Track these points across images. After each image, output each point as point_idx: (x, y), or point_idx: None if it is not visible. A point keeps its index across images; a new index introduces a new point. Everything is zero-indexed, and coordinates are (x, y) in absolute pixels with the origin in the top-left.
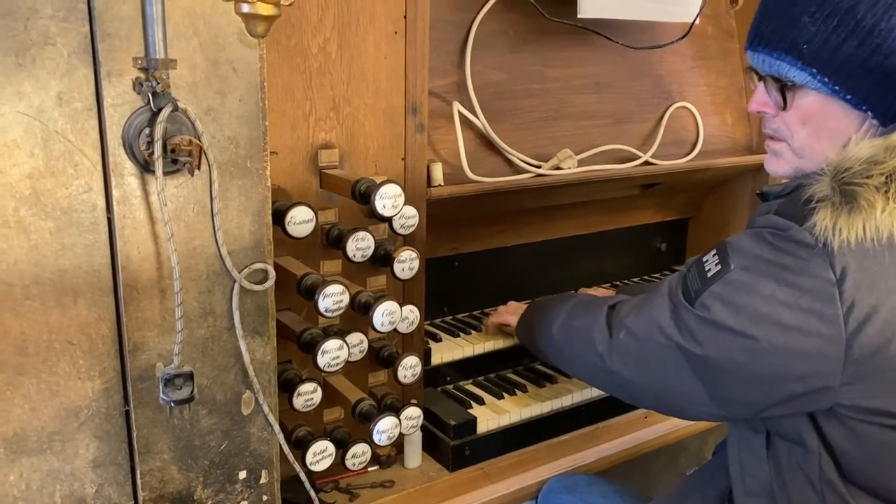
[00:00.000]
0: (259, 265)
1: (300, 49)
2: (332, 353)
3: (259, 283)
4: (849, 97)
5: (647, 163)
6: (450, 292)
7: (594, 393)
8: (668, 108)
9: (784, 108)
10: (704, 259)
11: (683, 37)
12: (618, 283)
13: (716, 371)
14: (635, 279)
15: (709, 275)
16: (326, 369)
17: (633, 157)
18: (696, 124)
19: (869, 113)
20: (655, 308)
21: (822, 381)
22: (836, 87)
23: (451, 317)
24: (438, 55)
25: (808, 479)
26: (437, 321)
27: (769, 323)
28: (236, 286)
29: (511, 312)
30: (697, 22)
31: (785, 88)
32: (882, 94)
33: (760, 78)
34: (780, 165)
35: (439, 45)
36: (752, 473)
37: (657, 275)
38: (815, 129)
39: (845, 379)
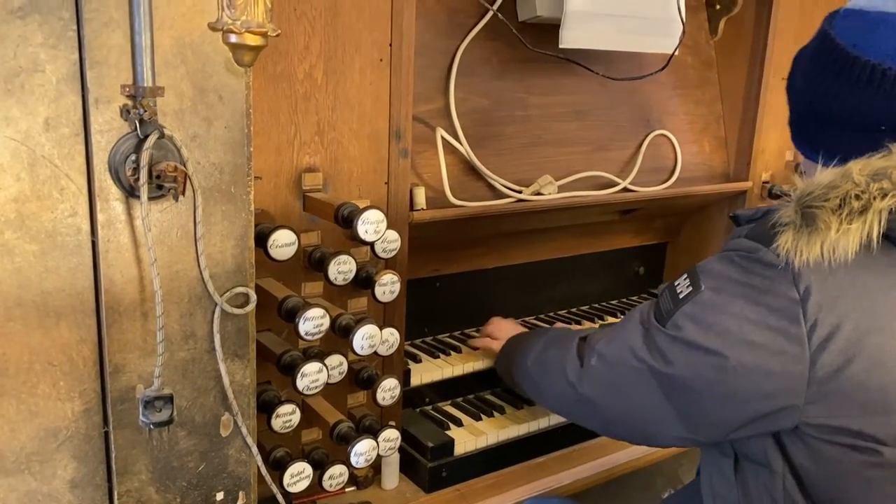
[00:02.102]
0: (240, 289)
1: (286, 75)
2: (312, 377)
3: (240, 306)
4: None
5: (625, 189)
6: (430, 313)
7: None
8: (647, 136)
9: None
10: (676, 283)
11: (663, 68)
12: (597, 304)
13: (685, 391)
14: (613, 301)
15: (680, 296)
16: (305, 392)
17: (613, 184)
18: (675, 152)
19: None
20: (628, 332)
21: (788, 399)
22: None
23: (431, 337)
24: (423, 81)
25: (773, 500)
26: (418, 341)
27: (738, 341)
28: (217, 309)
29: (502, 335)
30: (677, 53)
31: None
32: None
33: None
34: None
35: (424, 71)
36: (723, 496)
37: (635, 298)
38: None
39: (809, 397)
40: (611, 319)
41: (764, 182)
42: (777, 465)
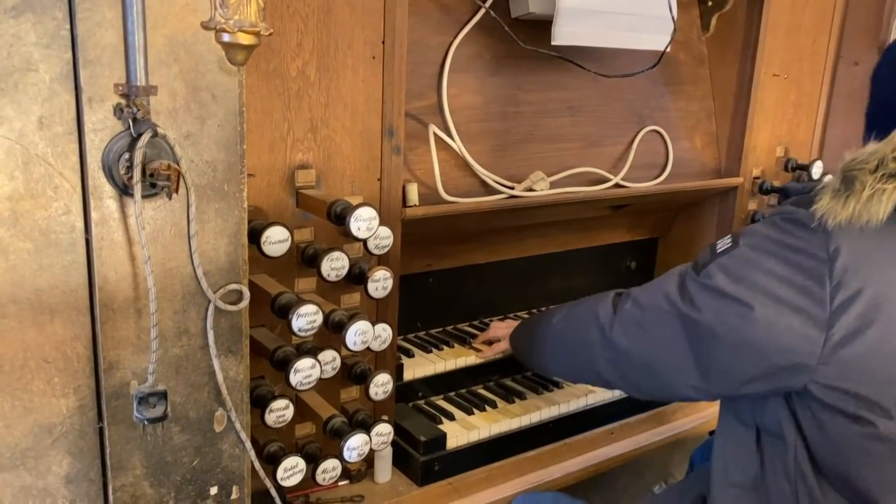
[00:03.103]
0: (234, 286)
1: (279, 72)
2: (305, 372)
3: (233, 303)
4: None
5: (617, 185)
6: (423, 308)
7: (561, 410)
8: (638, 132)
9: None
10: (717, 242)
11: (654, 65)
12: None
13: (706, 337)
14: None
15: (718, 251)
16: (299, 387)
17: (604, 180)
18: (666, 148)
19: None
20: (665, 281)
21: (802, 357)
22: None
23: (424, 332)
24: (415, 78)
25: (785, 471)
26: (411, 336)
27: (764, 294)
28: (211, 306)
29: (503, 328)
30: (668, 49)
31: None
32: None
33: None
34: None
35: (416, 67)
36: (738, 465)
37: None
38: None
39: (822, 358)
40: None
41: (755, 178)
42: (790, 437)
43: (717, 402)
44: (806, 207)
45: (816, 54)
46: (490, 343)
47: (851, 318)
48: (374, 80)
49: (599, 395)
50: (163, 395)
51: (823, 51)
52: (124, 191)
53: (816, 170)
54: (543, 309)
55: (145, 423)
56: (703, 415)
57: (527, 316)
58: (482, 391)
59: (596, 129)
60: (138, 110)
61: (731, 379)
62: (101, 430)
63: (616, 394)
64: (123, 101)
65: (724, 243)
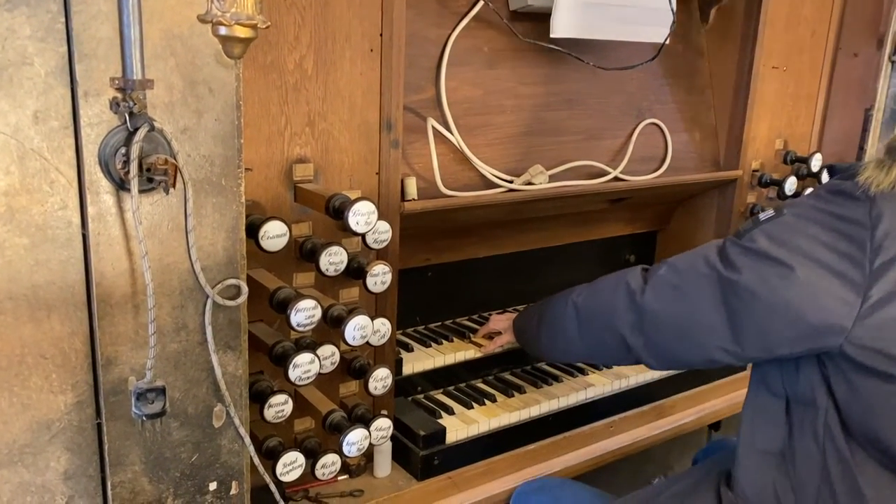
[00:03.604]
0: (232, 281)
1: (276, 65)
2: (304, 367)
3: (232, 298)
4: None
5: (616, 178)
6: (422, 302)
7: (560, 403)
8: (637, 125)
9: None
10: (760, 213)
11: (654, 58)
12: None
13: (745, 298)
14: None
15: (762, 219)
16: (298, 382)
17: (604, 173)
18: (665, 140)
19: None
20: (703, 249)
21: (839, 318)
22: None
23: (423, 326)
24: (414, 71)
25: (814, 433)
26: (410, 330)
27: (806, 257)
28: (209, 301)
29: (503, 320)
30: (667, 42)
31: None
32: None
33: None
34: None
35: (415, 60)
36: (766, 433)
37: None
38: None
39: (858, 320)
40: None
41: (754, 170)
42: (821, 401)
43: (720, 397)
44: (848, 179)
45: (816, 46)
46: (490, 337)
47: (888, 283)
48: (372, 73)
49: (599, 389)
50: (161, 391)
51: (823, 42)
52: (121, 186)
53: (815, 162)
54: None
55: (144, 418)
56: (703, 408)
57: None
58: (481, 385)
59: (595, 122)
60: (134, 104)
61: (766, 340)
62: (99, 426)
63: (615, 387)
64: (119, 95)
65: (767, 213)
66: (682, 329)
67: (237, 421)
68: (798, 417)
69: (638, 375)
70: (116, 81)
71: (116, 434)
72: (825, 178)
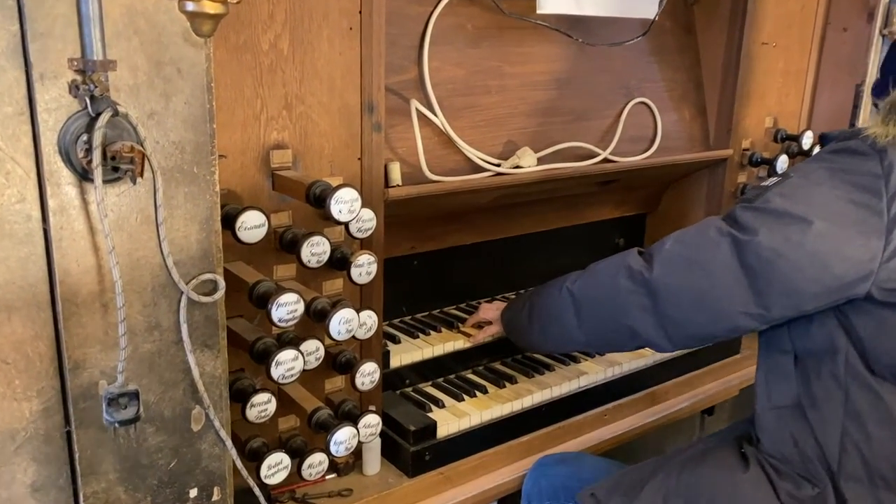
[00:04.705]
0: (207, 276)
1: (250, 46)
2: (287, 365)
3: (208, 294)
4: None
5: (606, 160)
6: (408, 292)
7: (553, 393)
8: (626, 104)
9: None
10: (764, 183)
11: (644, 33)
12: None
13: (767, 258)
14: None
15: (770, 185)
16: (281, 381)
17: (593, 155)
18: (655, 120)
19: None
20: (708, 220)
21: (864, 266)
22: None
23: (409, 316)
24: (395, 51)
25: (833, 375)
26: (396, 321)
27: (822, 209)
28: (184, 298)
29: (493, 310)
30: (656, 17)
31: None
32: None
33: None
34: None
35: (396, 40)
36: (779, 389)
37: None
38: None
39: (883, 262)
40: None
41: (744, 150)
42: (840, 344)
43: (714, 381)
44: (853, 138)
45: (805, 21)
46: (480, 326)
47: None
48: (351, 52)
49: (592, 377)
50: (134, 396)
51: (812, 17)
52: (84, 176)
53: (807, 140)
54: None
55: (116, 425)
56: (696, 392)
57: (514, 297)
58: (472, 376)
59: (583, 102)
60: (96, 87)
61: (793, 298)
62: (68, 434)
63: (609, 374)
64: (79, 78)
65: (772, 180)
66: (702, 300)
67: (217, 423)
68: (813, 368)
69: (631, 362)
70: (75, 62)
71: (88, 442)
72: (817, 150)
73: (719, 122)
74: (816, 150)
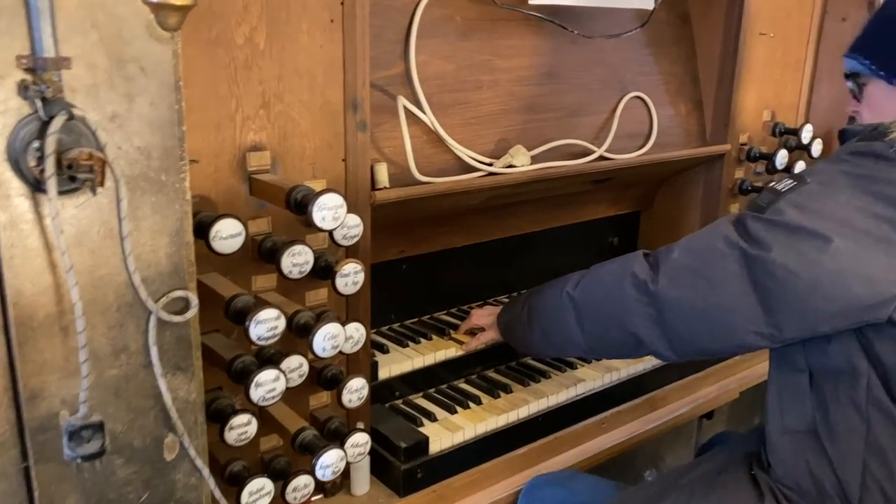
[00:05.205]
0: (179, 293)
1: (223, 40)
2: (268, 386)
3: (179, 312)
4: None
5: (601, 157)
6: (396, 298)
7: (550, 402)
8: (621, 99)
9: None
10: (777, 184)
11: (644, 24)
12: None
13: (780, 276)
14: None
15: (783, 190)
16: (261, 403)
17: (588, 152)
18: (650, 115)
19: None
20: (718, 227)
21: (886, 287)
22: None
23: (398, 324)
24: (379, 44)
25: (853, 403)
26: (384, 329)
27: (842, 225)
28: (152, 318)
29: (486, 315)
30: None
31: (856, 80)
32: None
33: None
34: None
35: (380, 32)
36: (793, 411)
37: None
38: (877, 114)
39: None
40: None
41: (742, 144)
42: (862, 367)
43: (713, 385)
44: (876, 140)
45: (802, 10)
46: (472, 333)
47: None
48: (333, 46)
49: (590, 384)
50: (98, 427)
51: (810, 6)
52: (37, 187)
53: (806, 134)
54: (525, 291)
55: (79, 461)
56: (696, 397)
57: (506, 300)
58: (464, 386)
59: (576, 97)
60: (48, 88)
61: (808, 320)
62: (26, 470)
63: (607, 381)
64: (29, 78)
65: (786, 184)
66: (709, 316)
67: (193, 452)
68: (830, 390)
69: (629, 367)
70: (24, 60)
71: (48, 478)
72: (816, 149)
73: (716, 115)
74: (816, 144)
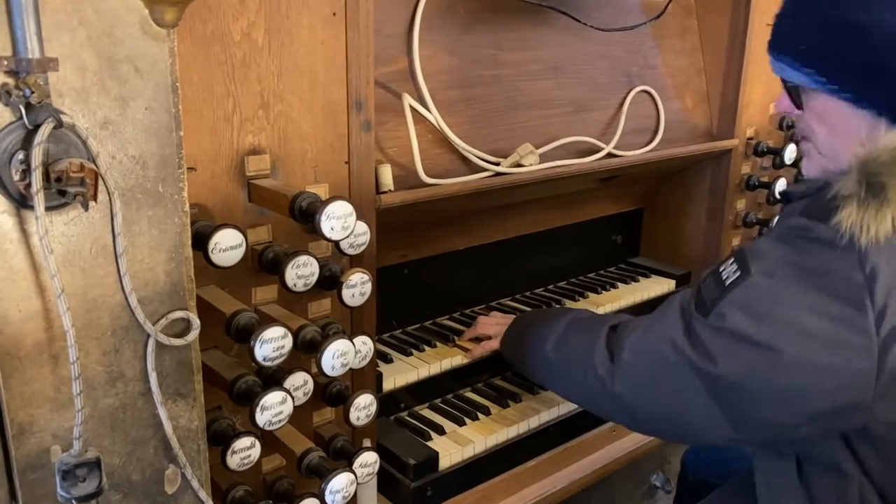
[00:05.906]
0: (179, 314)
1: (219, 36)
2: (274, 409)
3: (180, 335)
4: (846, 95)
5: (610, 154)
6: (398, 303)
7: (561, 410)
8: (628, 94)
9: (800, 108)
10: (721, 268)
11: (659, 16)
12: (575, 280)
13: (733, 391)
14: (592, 274)
15: (726, 283)
16: (267, 427)
17: (595, 149)
18: (657, 110)
19: (873, 111)
20: (667, 323)
21: (854, 396)
22: (833, 87)
23: (400, 330)
24: (381, 39)
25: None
26: (386, 336)
27: (794, 332)
28: (151, 342)
29: (493, 324)
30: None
31: (798, 89)
32: (880, 92)
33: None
34: (809, 166)
35: (381, 27)
36: (784, 500)
37: (612, 269)
38: (830, 129)
39: (878, 393)
40: (592, 295)
41: (749, 139)
42: (849, 468)
43: None
44: (822, 220)
45: None
46: (478, 339)
47: None
48: (335, 42)
49: None
50: (95, 465)
51: None
52: (22, 203)
53: None
54: (528, 293)
55: (73, 502)
56: None
57: (510, 303)
58: (472, 395)
59: (582, 91)
60: (32, 92)
61: (770, 429)
62: None
63: None
64: (11, 81)
65: (729, 271)
66: (672, 420)
67: (196, 484)
68: (819, 483)
69: None
70: (5, 62)
71: None
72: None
73: (723, 109)
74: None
